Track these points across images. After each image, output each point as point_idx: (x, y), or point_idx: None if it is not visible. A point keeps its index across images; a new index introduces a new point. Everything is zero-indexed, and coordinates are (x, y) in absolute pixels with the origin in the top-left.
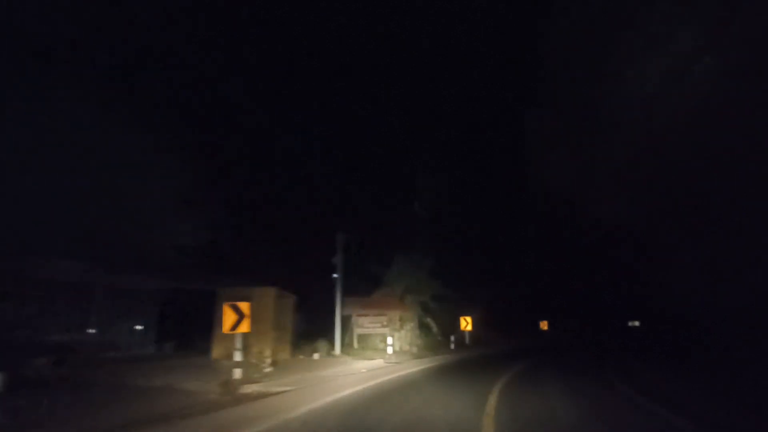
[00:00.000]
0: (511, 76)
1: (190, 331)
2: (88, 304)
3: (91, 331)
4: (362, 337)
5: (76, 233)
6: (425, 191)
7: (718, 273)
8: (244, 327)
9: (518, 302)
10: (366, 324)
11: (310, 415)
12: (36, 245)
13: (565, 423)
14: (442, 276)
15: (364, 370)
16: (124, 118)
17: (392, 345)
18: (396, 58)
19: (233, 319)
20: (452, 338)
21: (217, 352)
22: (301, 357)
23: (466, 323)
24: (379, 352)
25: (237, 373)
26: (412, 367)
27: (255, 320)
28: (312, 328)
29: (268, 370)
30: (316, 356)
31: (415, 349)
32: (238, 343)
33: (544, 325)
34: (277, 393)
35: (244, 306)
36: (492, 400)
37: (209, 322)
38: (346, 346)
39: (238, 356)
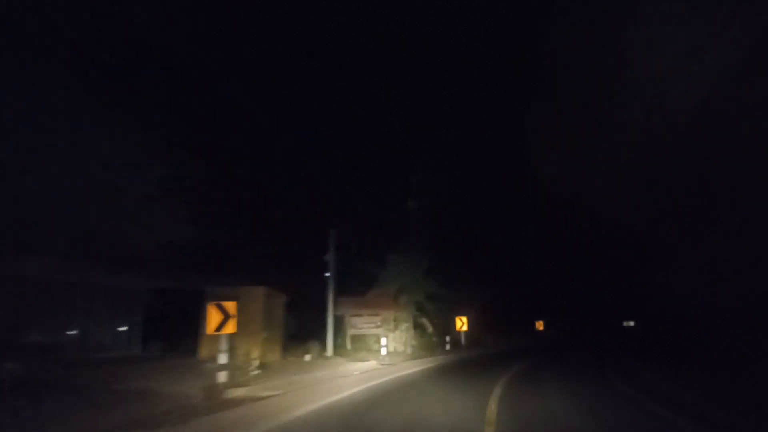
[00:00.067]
0: (511, 76)
1: (178, 331)
2: (69, 304)
3: (72, 332)
4: (356, 338)
5: (51, 229)
6: (421, 189)
7: (718, 273)
8: (230, 328)
9: (514, 302)
10: (359, 324)
11: (293, 424)
12: (5, 241)
13: (567, 425)
14: (437, 275)
15: (356, 373)
16: (106, 108)
17: (386, 346)
18: (395, 57)
19: (218, 320)
20: (448, 339)
21: (204, 353)
22: (292, 358)
23: (461, 323)
24: (372, 354)
25: (221, 376)
26: (407, 369)
27: (244, 321)
28: (304, 328)
29: (254, 372)
30: (307, 358)
31: (409, 350)
32: (224, 345)
33: (539, 326)
34: (263, 398)
35: (230, 305)
36: (492, 405)
37: (197, 323)
38: (339, 347)
39: (222, 358)
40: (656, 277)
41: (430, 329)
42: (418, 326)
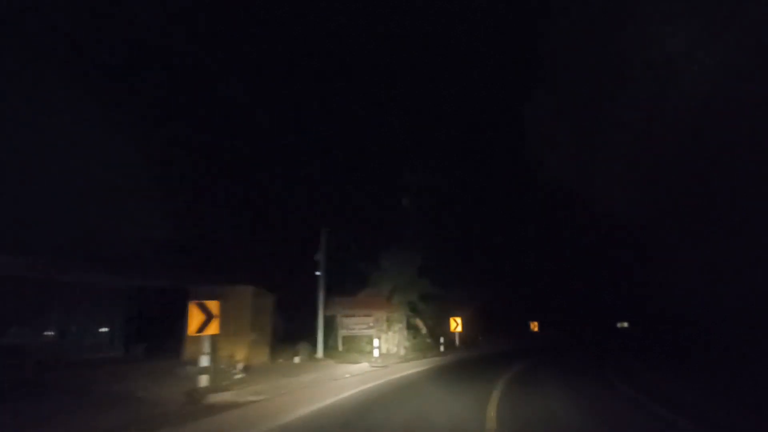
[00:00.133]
0: (511, 75)
1: (162, 332)
2: (46, 304)
3: (49, 333)
4: (347, 339)
5: (20, 224)
6: (415, 187)
7: (718, 273)
8: (213, 328)
9: (510, 303)
10: (351, 325)
11: None
12: None
13: (567, 426)
14: (431, 275)
15: (347, 376)
16: (98, 104)
17: (379, 347)
18: (395, 57)
19: (200, 320)
20: (442, 340)
21: (189, 355)
22: (281, 360)
23: (456, 324)
24: (364, 355)
25: (203, 380)
26: (400, 372)
27: (231, 321)
28: (293, 329)
29: (239, 376)
30: (296, 360)
31: (403, 352)
32: (206, 347)
33: (534, 326)
34: (245, 403)
35: (213, 305)
36: (492, 411)
37: (181, 323)
38: (330, 348)
39: (204, 361)
40: (656, 277)
41: (423, 330)
42: (411, 327)
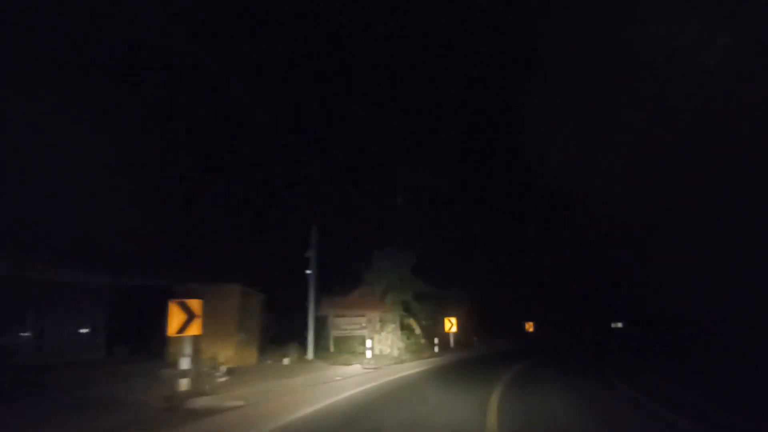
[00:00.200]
0: (510, 76)
1: (147, 333)
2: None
3: (25, 334)
4: (339, 340)
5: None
6: (410, 184)
7: (718, 273)
8: (194, 329)
9: (505, 303)
10: (344, 325)
11: None
12: None
13: (567, 426)
14: (425, 274)
15: (337, 378)
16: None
17: (371, 348)
18: (395, 57)
19: (181, 320)
20: (436, 340)
21: (173, 356)
22: (270, 362)
23: (451, 324)
24: (357, 356)
25: (183, 384)
26: (393, 374)
27: (217, 321)
28: (283, 330)
29: (222, 379)
30: (286, 361)
31: (396, 353)
32: (187, 348)
33: (529, 327)
34: (226, 409)
35: (194, 304)
36: (492, 419)
37: (165, 323)
38: (321, 349)
39: (185, 363)
40: (656, 277)
41: (417, 330)
42: (405, 327)
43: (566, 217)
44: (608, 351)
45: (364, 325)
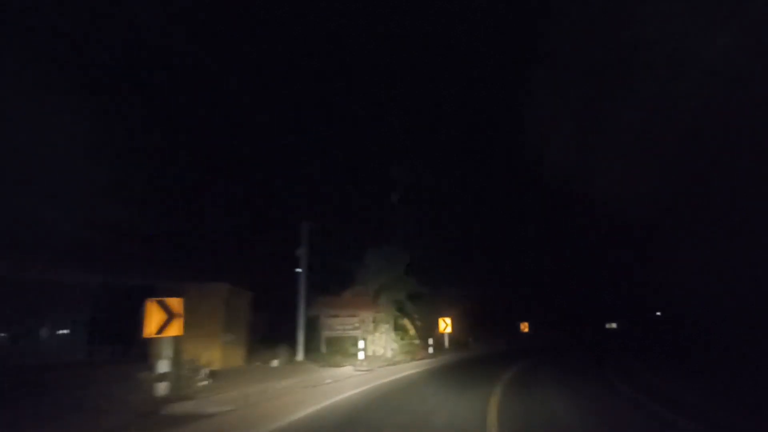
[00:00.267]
0: (510, 76)
1: (128, 334)
2: None
3: (1, 334)
4: (331, 341)
5: None
6: (405, 181)
7: (718, 273)
8: (175, 329)
9: (500, 303)
10: (336, 326)
11: None
12: None
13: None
14: (419, 273)
15: (328, 381)
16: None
17: (364, 349)
18: (395, 56)
19: (160, 319)
20: (430, 341)
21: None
22: (258, 364)
23: (445, 325)
24: (349, 358)
25: (161, 388)
26: (387, 376)
27: (202, 321)
28: (273, 330)
29: (204, 383)
30: (275, 363)
31: (390, 354)
32: (167, 350)
33: (524, 327)
34: (207, 416)
35: (174, 302)
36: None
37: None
38: (313, 350)
39: (163, 366)
40: (656, 277)
41: (411, 331)
42: (398, 328)
43: (566, 217)
44: (608, 351)
45: (356, 325)
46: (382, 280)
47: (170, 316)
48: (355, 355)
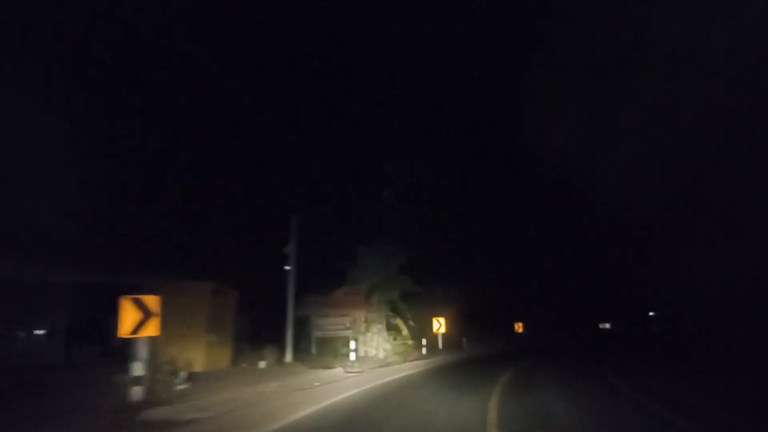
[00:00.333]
0: (510, 75)
1: (109, 335)
2: None
3: None
4: (322, 341)
5: None
6: (398, 179)
7: (718, 273)
8: (151, 329)
9: (495, 303)
10: (326, 326)
11: None
12: None
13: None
14: (413, 272)
15: (316, 384)
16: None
17: (355, 350)
18: (395, 56)
19: (135, 319)
20: (424, 342)
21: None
22: (245, 365)
23: (439, 325)
24: (339, 359)
25: (136, 392)
26: (379, 378)
27: (185, 321)
28: (261, 330)
29: (182, 387)
30: (262, 365)
31: (382, 355)
32: (142, 351)
33: (519, 327)
34: (184, 422)
35: (151, 301)
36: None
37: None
38: (303, 351)
39: (138, 369)
40: (656, 276)
41: (404, 331)
42: (391, 328)
43: (565, 217)
44: (607, 351)
45: (348, 325)
46: (375, 278)
47: (146, 315)
48: (347, 355)
